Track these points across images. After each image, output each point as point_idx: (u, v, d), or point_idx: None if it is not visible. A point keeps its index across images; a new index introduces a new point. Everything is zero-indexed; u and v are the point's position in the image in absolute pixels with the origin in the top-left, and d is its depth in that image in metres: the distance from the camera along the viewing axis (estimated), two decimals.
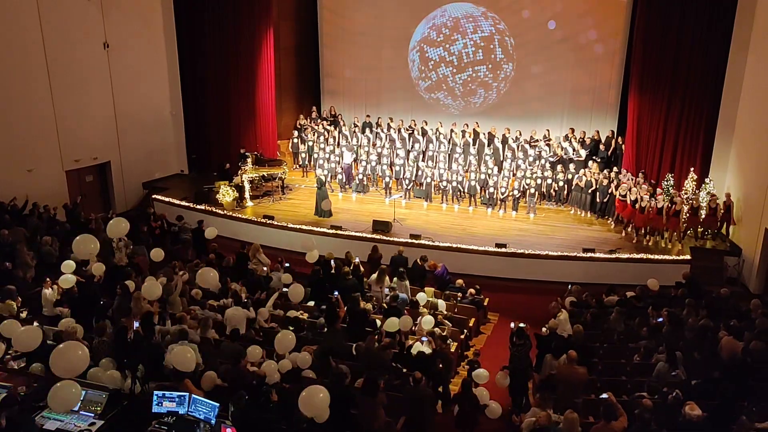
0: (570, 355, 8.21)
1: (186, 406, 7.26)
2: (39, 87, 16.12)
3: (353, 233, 15.38)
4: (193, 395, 7.33)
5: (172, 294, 10.64)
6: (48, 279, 11.09)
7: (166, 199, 17.90)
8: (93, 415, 7.34)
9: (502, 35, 19.23)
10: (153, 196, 18.31)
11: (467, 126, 19.35)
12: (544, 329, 10.45)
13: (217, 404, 7.16)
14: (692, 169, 15.73)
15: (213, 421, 7.11)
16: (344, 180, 18.79)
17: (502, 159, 18.31)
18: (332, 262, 12.48)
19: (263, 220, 16.29)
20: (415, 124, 19.99)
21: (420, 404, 7.85)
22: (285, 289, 11.69)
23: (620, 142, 17.71)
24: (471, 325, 11.47)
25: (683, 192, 15.34)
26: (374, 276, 11.98)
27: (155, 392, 7.39)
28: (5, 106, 15.31)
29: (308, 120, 21.17)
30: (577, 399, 7.97)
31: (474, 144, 18.93)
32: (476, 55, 19.54)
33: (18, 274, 11.76)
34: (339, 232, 15.41)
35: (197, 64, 20.35)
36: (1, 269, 11.40)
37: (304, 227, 15.80)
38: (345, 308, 10.27)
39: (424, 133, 19.58)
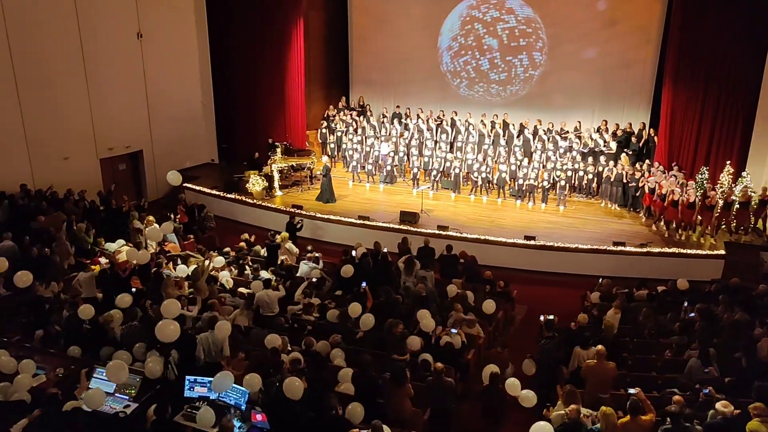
0: (599, 351, 8.14)
1: (217, 392, 7.38)
2: (75, 77, 16.40)
3: (381, 224, 15.40)
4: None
5: (200, 280, 10.80)
6: (85, 263, 11.35)
7: (197, 188, 18.13)
8: (128, 398, 7.53)
9: (537, 24, 19.00)
10: (184, 185, 18.50)
11: (497, 117, 19.20)
12: (572, 324, 10.38)
13: (248, 390, 7.28)
14: (728, 162, 15.37)
15: (243, 407, 7.22)
16: (383, 171, 18.62)
17: (531, 150, 18.14)
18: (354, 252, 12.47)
19: (292, 210, 16.39)
20: (444, 115, 19.90)
21: (443, 395, 7.86)
22: (314, 279, 11.85)
23: (652, 134, 17.41)
24: (499, 317, 11.41)
25: (718, 186, 15.02)
26: (403, 266, 11.98)
27: (187, 377, 7.54)
28: (43, 96, 15.60)
29: (336, 110, 21.22)
30: (604, 394, 7.90)
31: (503, 135, 18.78)
32: (509, 44, 19.34)
33: (56, 259, 12.01)
34: (366, 222, 15.44)
35: (228, 54, 20.48)
36: (41, 255, 11.65)
37: (332, 217, 15.86)
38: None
39: (453, 123, 19.49)
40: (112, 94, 17.36)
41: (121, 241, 13.43)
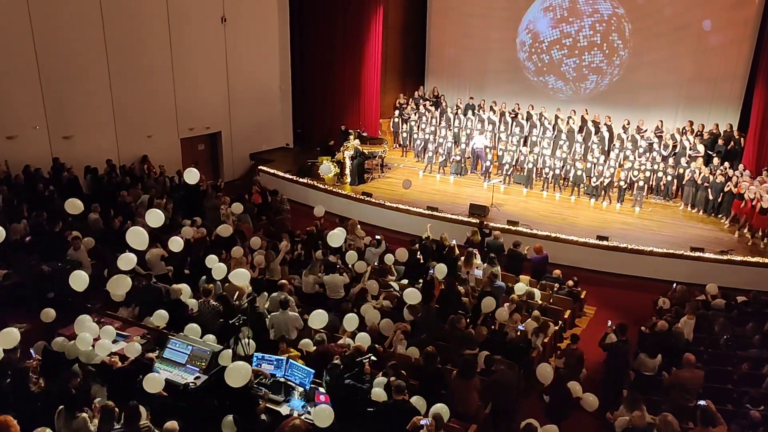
0: (688, 358, 7.88)
1: (283, 370, 7.59)
2: (162, 59, 17.06)
3: (449, 215, 15.34)
4: (291, 360, 7.64)
5: (273, 262, 11.07)
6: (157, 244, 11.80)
7: (271, 171, 18.56)
8: (198, 369, 7.81)
9: (621, 19, 18.37)
10: (259, 168, 19.04)
11: (574, 112, 18.74)
12: (643, 328, 10.10)
13: (313, 371, 7.44)
14: None
15: (307, 387, 7.39)
16: (475, 164, 18.41)
17: (608, 148, 17.62)
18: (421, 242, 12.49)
19: (361, 197, 16.55)
20: (519, 108, 19.58)
21: (505, 391, 7.81)
22: (377, 264, 11.93)
23: (740, 137, 16.57)
24: (566, 317, 11.21)
25: None
26: (463, 258, 11.93)
27: (255, 354, 7.78)
28: (132, 77, 16.30)
29: (410, 100, 21.23)
30: (690, 403, 7.65)
31: (580, 131, 18.31)
32: (592, 38, 18.75)
33: None
34: (435, 213, 15.41)
35: (306, 40, 20.78)
36: (123, 229, 12.21)
37: (401, 206, 15.92)
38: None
39: (528, 117, 19.16)
40: (195, 77, 17.95)
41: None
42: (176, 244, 10.29)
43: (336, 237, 9.41)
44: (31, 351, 7.86)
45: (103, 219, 12.66)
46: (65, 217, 11.73)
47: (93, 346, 7.63)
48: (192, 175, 9.40)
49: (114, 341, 8.13)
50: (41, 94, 14.67)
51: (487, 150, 18.27)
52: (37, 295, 9.88)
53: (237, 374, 6.42)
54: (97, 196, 13.78)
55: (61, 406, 6.14)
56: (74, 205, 9.48)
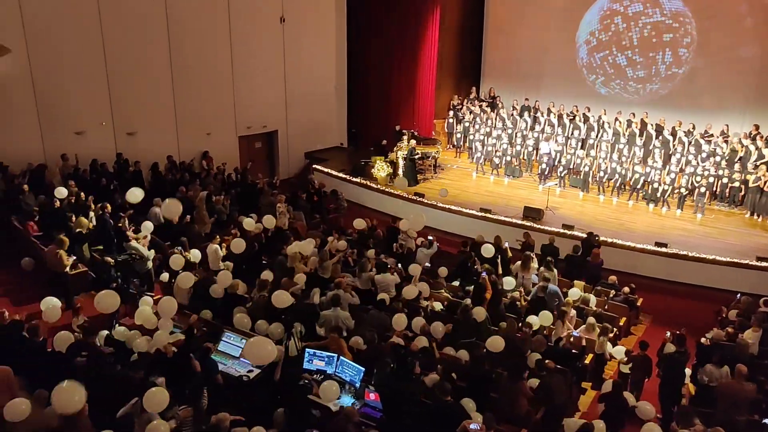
0: (740, 370, 7.59)
1: (334, 366, 7.67)
2: (222, 59, 17.49)
3: (503, 218, 15.17)
4: (341, 357, 7.71)
5: (326, 260, 11.18)
6: (217, 236, 12.11)
7: (325, 170, 18.75)
8: (251, 363, 7.97)
9: (686, 19, 17.77)
10: (313, 166, 19.27)
11: (633, 115, 18.24)
12: (703, 339, 9.75)
13: (363, 368, 7.49)
14: None
15: (357, 385, 7.45)
16: (546, 170, 17.77)
17: (670, 153, 17.08)
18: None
19: (414, 197, 16.54)
20: (577, 110, 19.21)
21: (555, 396, 7.67)
22: (428, 265, 11.91)
23: None
24: (621, 324, 10.94)
25: None
26: (519, 262, 11.78)
27: (307, 350, 7.88)
28: (192, 75, 16.77)
29: (465, 101, 21.11)
30: (740, 417, 7.37)
31: (640, 135, 17.80)
32: (652, 40, 18.23)
33: (194, 228, 12.92)
34: (488, 215, 15.28)
35: (363, 40, 20.91)
36: (183, 223, 12.58)
37: (453, 207, 15.84)
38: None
39: (585, 119, 18.76)
40: (254, 76, 18.30)
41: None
42: (237, 246, 10.58)
43: (487, 249, 10.78)
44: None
45: None
46: (128, 210, 12.22)
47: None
48: (134, 195, 10.06)
49: (171, 332, 8.38)
50: (108, 92, 15.29)
51: (553, 154, 17.85)
52: (102, 286, 10.26)
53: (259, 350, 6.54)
54: (158, 191, 14.23)
55: (136, 398, 6.25)
56: (134, 195, 9.90)
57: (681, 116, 17.68)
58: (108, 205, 12.20)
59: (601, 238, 13.71)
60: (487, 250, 11.27)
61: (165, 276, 10.81)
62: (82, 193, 12.96)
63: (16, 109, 13.99)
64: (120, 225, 11.81)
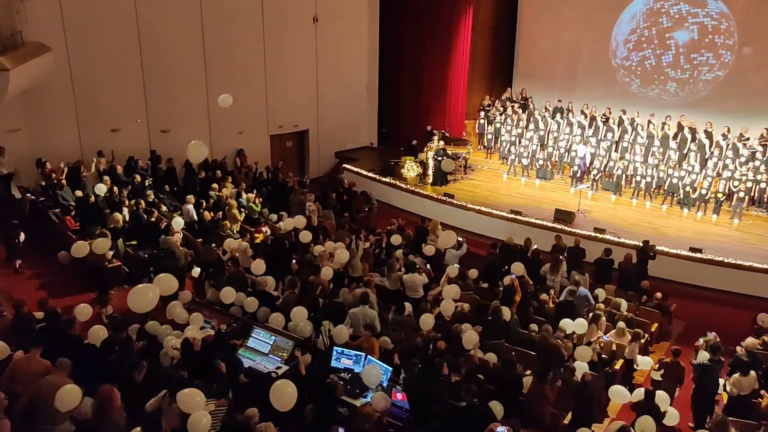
0: None
1: (361, 365, 7.69)
2: (255, 58, 17.69)
3: (533, 220, 15.04)
4: (369, 356, 7.73)
5: (355, 258, 11.22)
6: (247, 234, 12.25)
7: (355, 169, 18.80)
8: (279, 360, 8.06)
9: (730, 21, 17.32)
10: (343, 166, 19.34)
11: (669, 118, 17.88)
12: (738, 348, 9.53)
13: (390, 368, 7.50)
14: None
15: (385, 384, 7.45)
16: (578, 174, 17.38)
17: (707, 156, 16.71)
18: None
19: (443, 198, 16.50)
20: (610, 113, 18.90)
21: (587, 402, 7.59)
22: (458, 266, 11.85)
23: None
24: (653, 330, 10.76)
25: None
26: (547, 265, 11.66)
27: (335, 348, 7.92)
28: (225, 74, 16.94)
29: (496, 101, 20.97)
30: None
31: (675, 138, 17.43)
32: (697, 41, 17.77)
33: (225, 224, 13.09)
34: (518, 217, 15.16)
35: (395, 40, 20.91)
36: (213, 219, 12.76)
37: (483, 208, 15.75)
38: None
39: (620, 122, 18.45)
40: (286, 75, 18.44)
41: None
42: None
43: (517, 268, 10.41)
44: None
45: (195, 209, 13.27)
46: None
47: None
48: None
49: (201, 327, 8.51)
50: (143, 91, 15.59)
51: (587, 157, 17.51)
52: (136, 280, 10.44)
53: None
54: (191, 188, 14.47)
55: (164, 391, 6.30)
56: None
57: (718, 119, 17.19)
58: (142, 201, 12.43)
59: (633, 242, 13.48)
60: (517, 269, 10.92)
61: (196, 271, 10.97)
62: (116, 188, 13.22)
63: (56, 107, 14.37)
64: (153, 220, 12.02)
